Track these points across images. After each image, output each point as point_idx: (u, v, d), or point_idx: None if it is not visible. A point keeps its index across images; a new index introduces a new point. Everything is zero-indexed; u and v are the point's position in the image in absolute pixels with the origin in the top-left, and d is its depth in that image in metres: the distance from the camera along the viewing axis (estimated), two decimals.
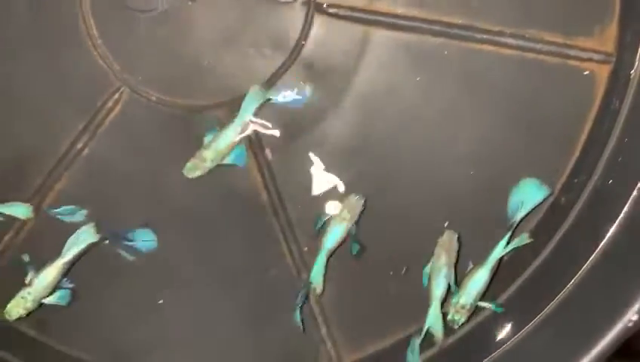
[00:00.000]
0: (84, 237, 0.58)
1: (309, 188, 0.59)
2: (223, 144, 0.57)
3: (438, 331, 0.55)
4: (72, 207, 0.59)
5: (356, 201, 0.56)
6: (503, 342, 0.55)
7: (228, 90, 0.59)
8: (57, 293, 0.59)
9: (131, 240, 0.59)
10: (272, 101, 0.57)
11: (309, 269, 0.59)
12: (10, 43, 0.59)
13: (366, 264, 0.59)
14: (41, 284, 0.58)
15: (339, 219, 0.56)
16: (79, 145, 0.60)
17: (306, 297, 0.57)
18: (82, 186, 0.60)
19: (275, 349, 0.60)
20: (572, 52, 0.56)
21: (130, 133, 0.60)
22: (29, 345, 0.61)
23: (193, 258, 0.60)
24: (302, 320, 0.57)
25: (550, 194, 0.56)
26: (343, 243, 0.57)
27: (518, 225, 0.56)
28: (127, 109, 0.59)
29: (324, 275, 0.57)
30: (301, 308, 0.57)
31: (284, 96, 0.57)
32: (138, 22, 0.58)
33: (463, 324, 0.56)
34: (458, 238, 0.56)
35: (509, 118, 0.57)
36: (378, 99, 0.58)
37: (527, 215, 0.56)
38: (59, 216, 0.59)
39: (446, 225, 0.57)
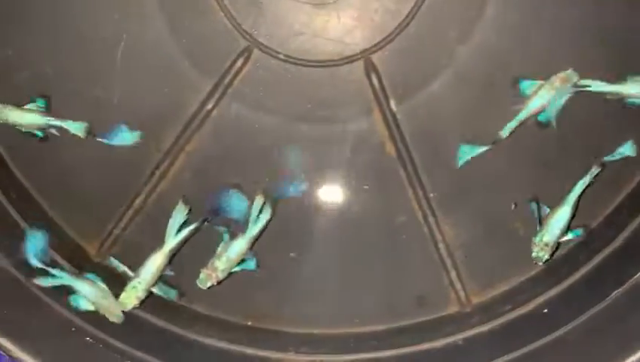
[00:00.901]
0: (179, 217, 0.59)
1: (434, 135, 0.61)
2: (234, 254, 0.59)
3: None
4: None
5: (570, 75, 0.57)
6: (624, 281, 0.57)
7: (354, 45, 0.60)
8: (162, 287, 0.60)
9: (224, 210, 0.60)
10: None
11: (435, 214, 0.62)
12: (137, 5, 0.60)
13: (491, 203, 0.61)
14: (149, 273, 0.59)
15: (548, 87, 0.57)
16: (209, 106, 0.61)
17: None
18: (212, 147, 0.62)
19: (405, 293, 0.63)
20: None
21: (258, 92, 0.61)
22: (166, 307, 0.62)
23: (322, 208, 0.62)
24: None
25: None
26: (540, 112, 0.58)
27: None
28: (256, 68, 0.61)
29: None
30: None
31: (289, 192, 0.60)
32: None
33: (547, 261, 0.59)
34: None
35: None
36: (500, 42, 0.60)
37: None
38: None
39: None
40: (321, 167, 0.62)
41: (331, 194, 0.62)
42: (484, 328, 0.61)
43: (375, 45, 0.60)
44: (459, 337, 0.61)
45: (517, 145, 0.61)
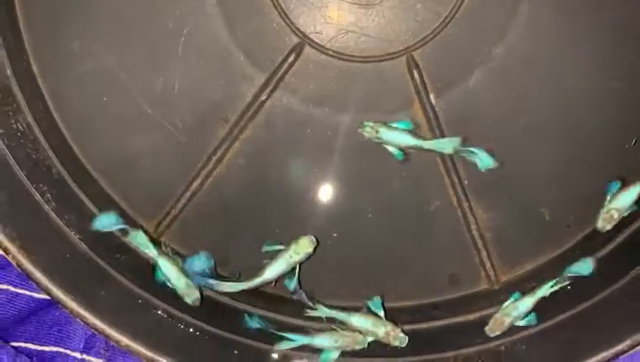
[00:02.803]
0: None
1: (469, 127, 0.67)
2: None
3: None
4: None
5: None
6: None
7: (397, 43, 0.66)
8: None
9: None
10: None
11: (468, 199, 0.67)
12: (198, 2, 0.65)
13: (521, 189, 0.67)
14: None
15: None
16: (262, 98, 0.66)
17: None
18: (265, 135, 0.67)
19: (439, 272, 0.68)
20: None
21: (308, 85, 0.66)
22: None
23: (363, 192, 0.67)
24: None
25: None
26: None
27: None
28: (306, 63, 0.66)
29: None
30: None
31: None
32: None
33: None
34: None
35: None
36: (532, 41, 0.65)
37: None
38: None
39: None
40: (364, 155, 0.67)
41: (373, 179, 0.67)
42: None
43: (417, 43, 0.65)
44: (489, 312, 0.66)
45: (542, 138, 0.67)
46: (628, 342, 0.57)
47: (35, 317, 0.65)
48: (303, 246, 0.63)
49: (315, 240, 0.63)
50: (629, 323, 0.59)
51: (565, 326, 0.62)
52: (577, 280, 0.64)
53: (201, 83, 0.66)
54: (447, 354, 0.64)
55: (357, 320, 0.62)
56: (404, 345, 0.62)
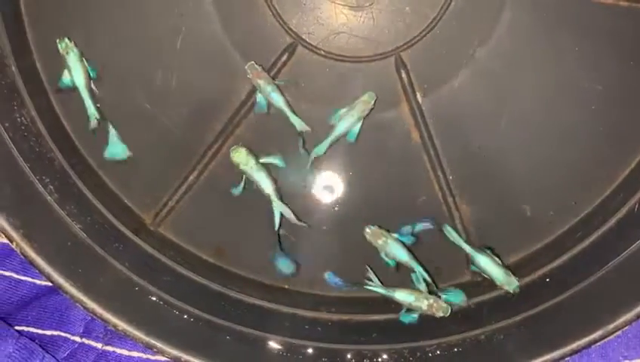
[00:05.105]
0: None
1: (454, 125, 0.69)
2: None
3: None
4: None
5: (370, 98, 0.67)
6: (613, 258, 0.65)
7: (386, 44, 0.68)
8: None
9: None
10: None
11: (453, 194, 0.70)
12: (196, 2, 0.68)
13: (503, 188, 0.70)
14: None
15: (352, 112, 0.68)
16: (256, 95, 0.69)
17: None
18: (258, 131, 0.69)
19: (424, 264, 0.70)
20: None
21: (300, 84, 0.69)
22: (221, 272, 0.71)
23: (352, 187, 0.70)
24: None
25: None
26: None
27: None
28: (299, 63, 0.69)
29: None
30: None
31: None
32: None
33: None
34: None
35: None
36: (514, 44, 0.68)
37: None
38: None
39: None
40: (353, 151, 0.70)
41: (361, 174, 0.70)
42: (493, 295, 0.69)
43: (405, 44, 0.68)
44: (471, 302, 0.69)
45: (524, 137, 0.69)
46: (600, 333, 0.60)
47: (37, 303, 0.68)
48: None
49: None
50: (602, 314, 0.62)
51: (541, 317, 0.65)
52: (553, 276, 0.68)
53: (197, 79, 0.69)
54: (431, 341, 0.67)
55: (400, 295, 0.67)
56: (448, 315, 0.66)
